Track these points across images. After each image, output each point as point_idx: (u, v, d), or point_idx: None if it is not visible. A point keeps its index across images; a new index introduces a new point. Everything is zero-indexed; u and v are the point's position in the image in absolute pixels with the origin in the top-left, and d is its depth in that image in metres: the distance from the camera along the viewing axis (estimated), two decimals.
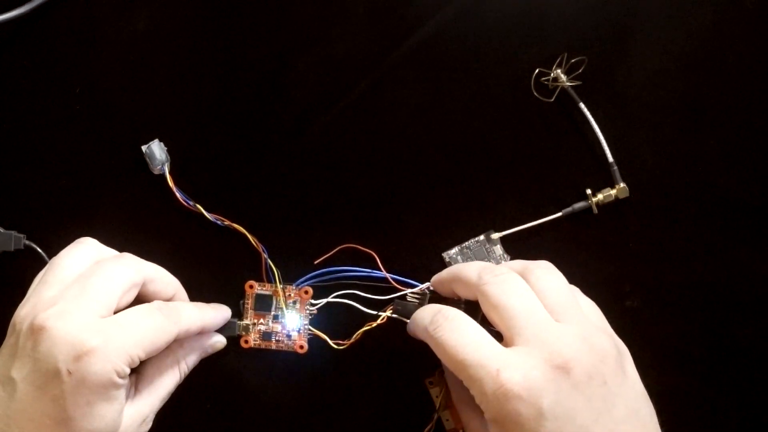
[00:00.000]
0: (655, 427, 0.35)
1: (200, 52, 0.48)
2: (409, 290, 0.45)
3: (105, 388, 0.34)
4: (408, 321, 0.43)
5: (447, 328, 0.36)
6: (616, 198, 0.46)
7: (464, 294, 0.40)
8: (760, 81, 0.47)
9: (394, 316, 0.44)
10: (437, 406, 0.44)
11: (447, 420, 0.44)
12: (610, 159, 0.46)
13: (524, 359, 0.34)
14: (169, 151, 0.47)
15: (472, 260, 0.47)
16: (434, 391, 0.44)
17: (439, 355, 0.37)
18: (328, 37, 0.47)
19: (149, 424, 0.39)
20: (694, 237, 0.46)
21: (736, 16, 0.47)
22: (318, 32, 0.47)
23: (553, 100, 0.46)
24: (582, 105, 0.46)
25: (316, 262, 0.46)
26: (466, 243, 0.47)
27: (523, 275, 0.37)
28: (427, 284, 0.45)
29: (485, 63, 0.47)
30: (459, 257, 0.47)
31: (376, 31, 0.47)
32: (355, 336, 0.45)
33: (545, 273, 0.38)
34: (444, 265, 0.47)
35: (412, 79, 0.47)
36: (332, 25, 0.47)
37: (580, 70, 0.46)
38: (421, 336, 0.38)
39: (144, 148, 0.46)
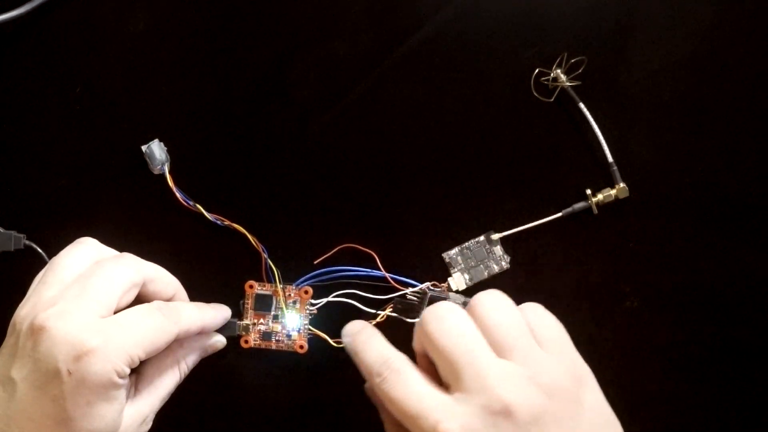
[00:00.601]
0: None
1: (200, 52, 0.48)
2: (409, 289, 0.45)
3: (105, 389, 0.34)
4: (407, 319, 0.43)
5: (391, 381, 0.35)
6: (616, 198, 0.46)
7: (417, 339, 0.38)
8: (760, 81, 0.46)
9: (393, 315, 0.44)
10: None
11: None
12: (610, 159, 0.46)
13: (462, 408, 0.33)
14: (169, 151, 0.47)
15: (472, 260, 0.47)
16: None
17: (381, 404, 0.36)
18: (328, 37, 0.47)
19: (149, 424, 0.39)
20: (694, 237, 0.46)
21: (736, 16, 0.47)
22: (318, 32, 0.47)
23: (552, 100, 0.46)
24: (582, 105, 0.46)
25: (315, 262, 0.46)
26: (466, 243, 0.47)
27: (470, 310, 0.36)
28: (426, 284, 0.45)
29: (485, 63, 0.47)
30: (459, 257, 0.47)
31: (376, 31, 0.47)
32: None
33: (491, 305, 0.36)
34: (444, 265, 0.47)
35: (412, 79, 0.47)
36: (332, 25, 0.47)
37: (580, 70, 0.46)
38: (368, 391, 0.38)
39: (144, 148, 0.46)
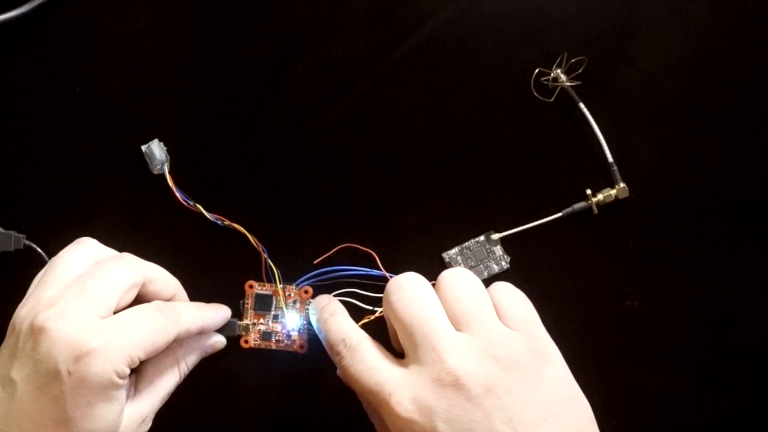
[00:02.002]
0: (582, 427, 0.34)
1: (200, 52, 0.48)
2: None
3: (105, 389, 0.34)
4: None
5: (347, 359, 0.37)
6: (617, 198, 0.46)
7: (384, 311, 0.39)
8: (759, 81, 0.46)
9: None
10: None
11: None
12: (610, 159, 0.46)
13: (415, 380, 0.34)
14: (169, 151, 0.47)
15: (472, 260, 0.47)
16: None
17: (348, 384, 0.37)
18: (328, 37, 0.47)
19: (149, 424, 0.39)
20: (694, 237, 0.46)
21: (736, 16, 0.47)
22: (318, 32, 0.47)
23: (552, 100, 0.46)
24: (582, 105, 0.46)
25: (315, 262, 0.46)
26: (467, 243, 0.47)
27: (435, 285, 0.37)
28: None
29: (485, 63, 0.47)
30: (459, 257, 0.47)
31: (376, 31, 0.47)
32: None
33: (454, 279, 0.37)
34: (444, 265, 0.47)
35: (412, 79, 0.47)
36: (332, 25, 0.47)
37: (580, 70, 0.46)
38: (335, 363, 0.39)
39: (144, 148, 0.46)
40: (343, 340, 0.38)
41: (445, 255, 0.47)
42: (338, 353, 0.38)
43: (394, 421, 0.34)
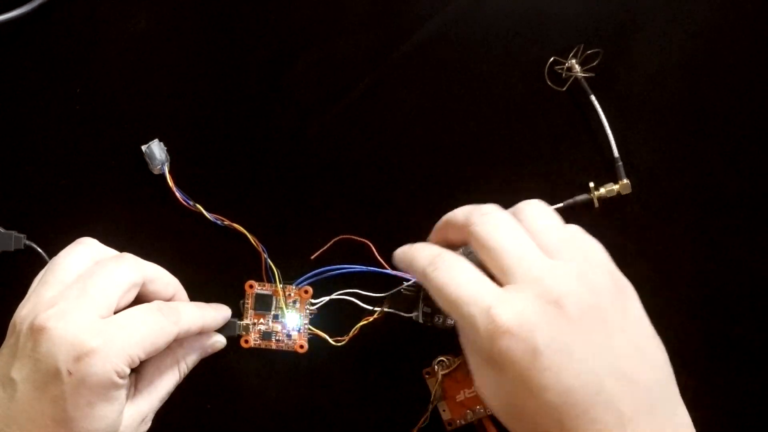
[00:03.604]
0: (661, 367, 0.34)
1: (200, 52, 0.48)
2: (404, 283, 0.45)
3: (105, 389, 0.34)
4: (404, 314, 0.43)
5: (444, 269, 0.35)
6: (618, 194, 0.46)
7: (456, 238, 0.39)
8: (760, 81, 0.47)
9: (390, 311, 0.45)
10: (433, 397, 0.44)
11: (444, 411, 0.45)
12: (616, 154, 0.46)
13: (516, 296, 0.33)
14: (169, 151, 0.47)
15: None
16: (431, 382, 0.45)
17: (434, 295, 0.36)
18: (328, 37, 0.47)
19: (148, 424, 0.39)
20: (694, 236, 0.46)
21: (735, 16, 0.47)
22: (318, 32, 0.47)
23: (565, 89, 0.46)
24: (593, 97, 0.46)
25: (312, 257, 0.46)
26: None
27: (515, 215, 0.37)
28: None
29: (484, 63, 0.47)
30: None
31: (376, 31, 0.47)
32: (352, 331, 0.45)
33: (537, 211, 0.36)
34: None
35: (412, 78, 0.47)
36: (332, 25, 0.47)
37: (595, 63, 0.46)
38: (416, 276, 0.37)
39: (144, 148, 0.46)
40: (440, 254, 0.36)
41: None
42: (432, 263, 0.36)
43: (489, 333, 0.32)
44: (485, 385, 0.34)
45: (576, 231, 0.37)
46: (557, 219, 0.37)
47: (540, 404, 0.32)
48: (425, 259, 0.37)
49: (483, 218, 0.36)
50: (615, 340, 0.33)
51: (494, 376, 0.33)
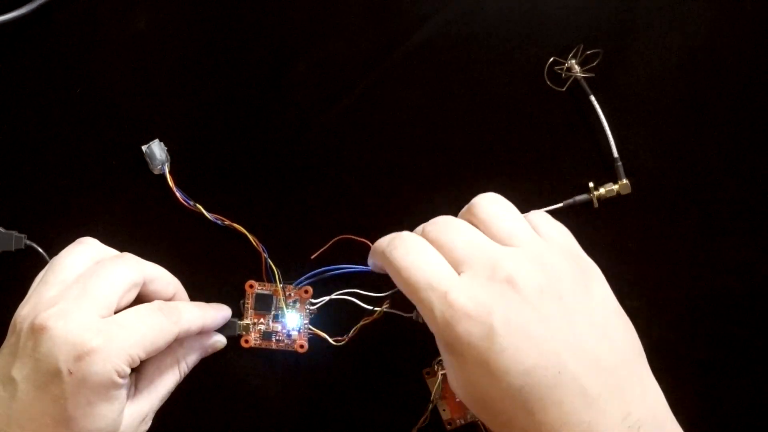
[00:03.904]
0: (629, 344, 0.34)
1: (200, 53, 0.48)
2: None
3: (106, 388, 0.34)
4: (403, 314, 0.43)
5: (402, 250, 0.35)
6: (618, 194, 0.46)
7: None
8: (760, 81, 0.47)
9: (391, 310, 0.45)
10: (433, 396, 0.44)
11: (444, 410, 0.45)
12: (616, 154, 0.46)
13: (469, 280, 0.33)
14: (169, 151, 0.47)
15: None
16: (431, 382, 0.45)
17: (393, 278, 0.36)
18: (328, 37, 0.47)
19: (149, 423, 0.39)
20: (693, 236, 0.46)
21: (735, 16, 0.47)
22: (318, 32, 0.47)
23: (564, 89, 0.46)
24: (593, 98, 0.46)
25: (312, 257, 0.46)
26: None
27: (468, 210, 0.37)
28: None
29: (483, 63, 0.47)
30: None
31: (376, 31, 0.47)
32: (352, 331, 0.45)
33: (488, 202, 0.37)
34: None
35: (411, 78, 0.47)
36: (332, 25, 0.47)
37: (595, 63, 0.46)
38: (380, 261, 0.37)
39: (144, 148, 0.46)
40: (399, 235, 0.37)
41: None
42: (391, 244, 0.36)
43: (446, 319, 0.33)
44: (450, 373, 0.35)
45: (536, 217, 0.37)
46: (509, 208, 0.37)
47: (503, 388, 0.31)
48: (385, 240, 0.37)
49: (433, 222, 0.36)
50: (576, 320, 0.33)
51: (456, 363, 0.33)
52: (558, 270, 0.34)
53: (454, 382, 0.34)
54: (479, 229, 0.36)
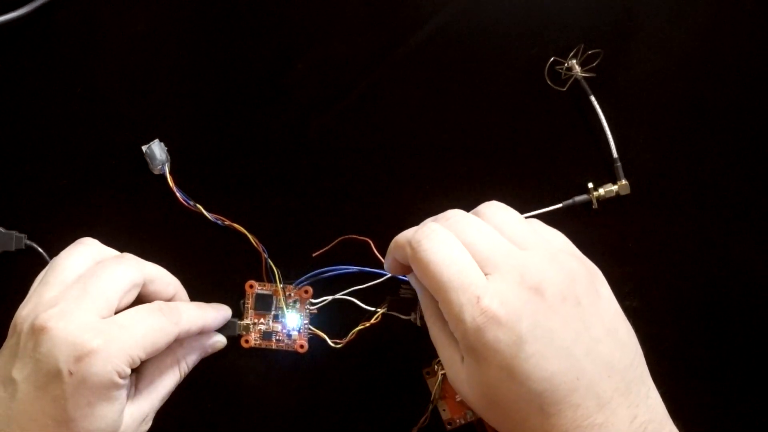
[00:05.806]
0: (634, 347, 0.34)
1: (200, 53, 0.48)
2: (402, 285, 0.45)
3: (106, 389, 0.34)
4: (402, 316, 0.43)
5: (431, 243, 0.34)
6: (617, 194, 0.46)
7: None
8: (760, 81, 0.47)
9: (389, 313, 0.45)
10: (433, 396, 0.44)
11: (443, 410, 0.45)
12: (615, 155, 0.46)
13: (499, 285, 0.33)
14: (169, 151, 0.47)
15: None
16: (431, 382, 0.45)
17: (420, 273, 0.35)
18: (328, 37, 0.47)
19: (149, 423, 0.39)
20: (693, 236, 0.47)
21: (735, 16, 0.47)
22: (318, 32, 0.47)
23: (565, 89, 0.46)
24: (593, 98, 0.46)
25: (314, 255, 0.46)
26: None
27: (480, 216, 0.37)
28: None
29: (483, 63, 0.47)
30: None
31: (376, 31, 0.47)
32: (350, 334, 0.45)
33: (496, 209, 0.37)
34: None
35: (412, 78, 0.47)
36: (332, 25, 0.47)
37: (595, 63, 0.46)
38: (404, 255, 0.36)
39: (144, 148, 0.46)
40: (426, 224, 0.36)
41: None
42: (419, 234, 0.35)
43: (476, 324, 0.32)
44: (463, 373, 0.34)
45: (536, 222, 0.37)
46: (516, 214, 0.37)
47: (522, 392, 0.32)
48: (410, 232, 0.36)
49: (450, 221, 0.36)
50: (591, 326, 0.33)
51: (476, 365, 0.33)
52: (575, 274, 0.34)
53: (465, 382, 0.34)
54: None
